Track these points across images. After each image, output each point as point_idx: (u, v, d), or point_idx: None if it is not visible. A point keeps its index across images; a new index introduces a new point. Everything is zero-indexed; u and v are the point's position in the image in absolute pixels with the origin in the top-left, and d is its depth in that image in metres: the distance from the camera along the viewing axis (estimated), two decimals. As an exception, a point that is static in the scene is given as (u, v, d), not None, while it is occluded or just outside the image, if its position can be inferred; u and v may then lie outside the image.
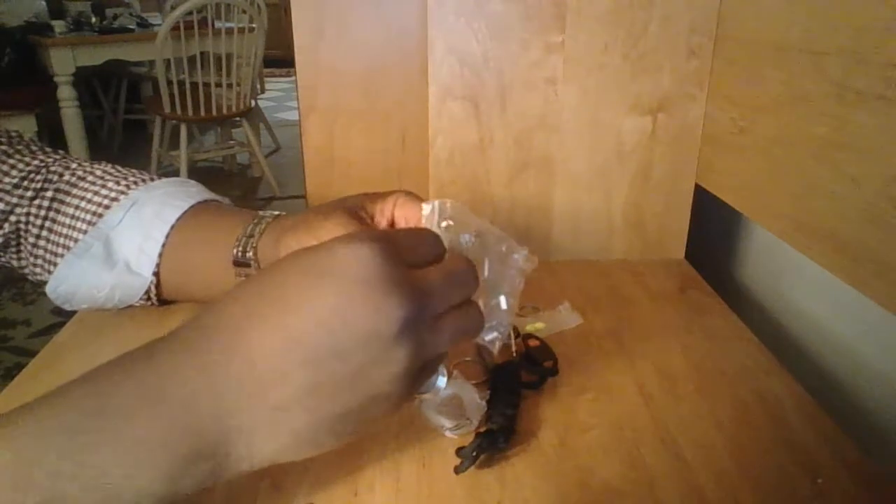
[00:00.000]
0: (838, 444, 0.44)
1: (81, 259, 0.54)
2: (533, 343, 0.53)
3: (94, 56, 3.00)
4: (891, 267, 0.44)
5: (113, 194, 0.56)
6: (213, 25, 2.91)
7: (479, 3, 0.64)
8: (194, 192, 0.57)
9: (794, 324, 0.66)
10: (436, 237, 0.34)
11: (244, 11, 2.97)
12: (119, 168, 0.59)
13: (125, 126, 4.03)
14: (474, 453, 0.40)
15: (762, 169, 0.59)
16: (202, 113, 2.95)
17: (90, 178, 0.56)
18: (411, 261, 0.31)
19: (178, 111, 2.92)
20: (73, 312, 0.59)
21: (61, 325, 0.57)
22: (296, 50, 0.69)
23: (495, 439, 0.42)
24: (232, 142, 3.58)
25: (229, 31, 2.95)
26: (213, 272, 0.52)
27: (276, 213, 0.52)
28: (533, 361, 0.51)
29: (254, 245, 0.49)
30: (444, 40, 0.65)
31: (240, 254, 0.49)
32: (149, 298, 0.56)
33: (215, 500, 0.39)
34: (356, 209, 0.45)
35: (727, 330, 0.59)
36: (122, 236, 0.54)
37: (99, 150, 3.64)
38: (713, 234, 0.80)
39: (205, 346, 0.29)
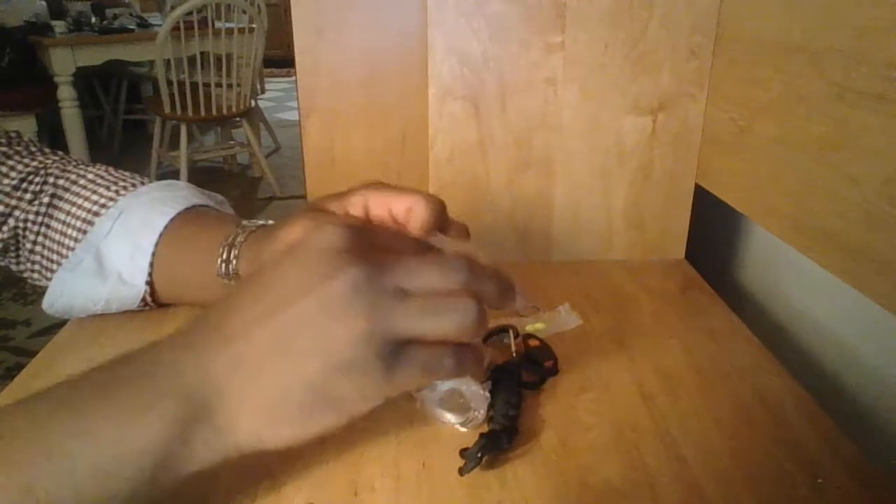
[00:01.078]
0: (838, 444, 0.44)
1: (73, 274, 0.54)
2: (533, 343, 0.53)
3: (94, 56, 3.00)
4: (891, 267, 0.44)
5: (102, 200, 0.55)
6: (213, 25, 2.91)
7: (479, 3, 0.64)
8: (181, 198, 0.56)
9: (794, 324, 0.66)
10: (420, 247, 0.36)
11: (244, 11, 2.97)
12: (112, 171, 0.58)
13: (125, 126, 4.03)
14: (479, 454, 0.40)
15: (762, 169, 0.59)
16: (202, 113, 2.95)
17: (82, 181, 0.56)
18: (380, 245, 0.34)
19: (178, 111, 2.92)
20: (73, 312, 0.59)
21: (61, 325, 0.57)
22: (296, 50, 0.69)
23: (499, 440, 0.42)
24: (232, 142, 3.58)
25: (229, 31, 2.95)
26: (201, 282, 0.52)
27: (260, 222, 0.52)
28: (533, 361, 0.51)
29: (235, 256, 0.50)
30: (444, 40, 0.65)
31: (223, 267, 0.50)
32: (146, 304, 0.56)
33: (215, 499, 0.39)
34: (320, 209, 0.44)
35: (727, 330, 0.59)
36: (111, 247, 0.54)
37: (99, 150, 3.64)
38: (713, 234, 0.80)
39: (195, 332, 0.33)
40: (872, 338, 0.56)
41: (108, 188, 0.56)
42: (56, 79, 2.85)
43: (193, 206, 0.57)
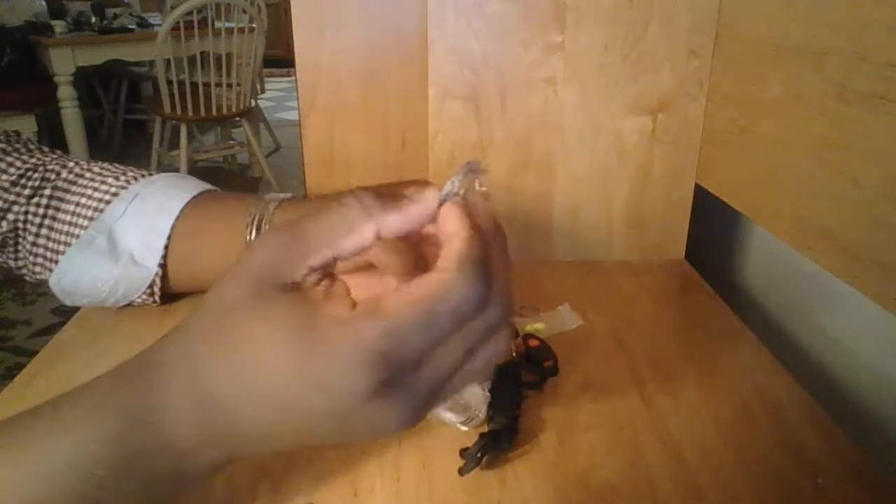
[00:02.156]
0: (838, 444, 0.44)
1: (85, 252, 0.54)
2: (533, 343, 0.53)
3: (94, 56, 3.00)
4: (891, 267, 0.44)
5: (113, 189, 0.56)
6: (213, 25, 2.91)
7: (479, 3, 0.64)
8: (195, 184, 0.58)
9: (794, 324, 0.66)
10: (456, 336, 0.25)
11: (244, 11, 2.97)
12: (117, 165, 0.59)
13: (125, 126, 4.03)
14: (478, 454, 0.40)
15: (762, 169, 0.59)
16: (202, 113, 2.95)
17: (88, 174, 0.57)
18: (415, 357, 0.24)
19: (178, 111, 2.92)
20: (74, 312, 0.59)
21: (61, 324, 0.57)
22: (296, 50, 0.69)
23: (499, 440, 0.42)
24: (232, 142, 3.58)
25: (229, 31, 2.94)
26: (223, 257, 0.52)
27: (286, 194, 0.52)
28: (533, 361, 0.51)
29: (267, 224, 0.50)
30: (444, 40, 0.65)
31: (253, 236, 0.50)
32: (151, 294, 0.56)
33: (215, 500, 0.39)
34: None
35: (727, 330, 0.59)
36: (125, 229, 0.54)
37: (99, 150, 3.64)
38: (713, 234, 0.80)
39: (168, 383, 0.27)
40: (872, 338, 0.56)
41: (116, 178, 0.57)
42: (56, 79, 2.84)
43: (208, 191, 0.58)
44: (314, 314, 0.24)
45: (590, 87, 0.67)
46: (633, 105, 0.67)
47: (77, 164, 0.58)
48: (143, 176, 0.58)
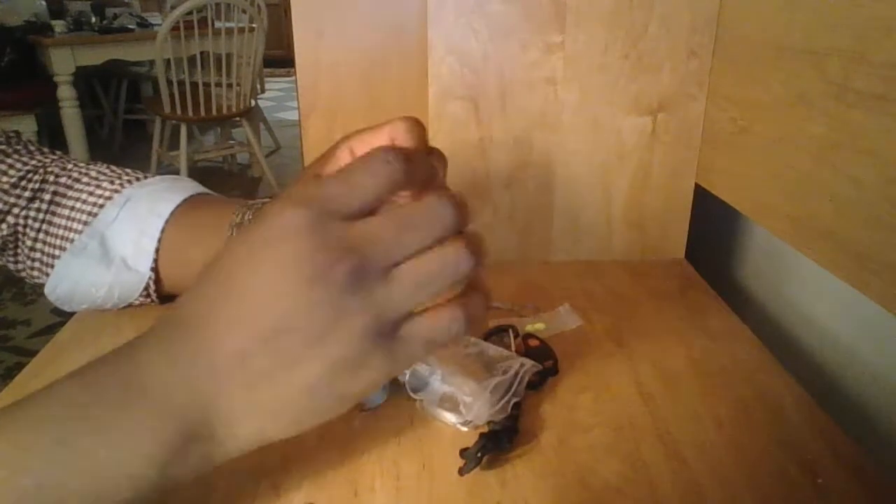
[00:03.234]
0: (838, 445, 0.44)
1: (78, 258, 0.54)
2: (533, 343, 0.53)
3: (94, 56, 3.00)
4: (891, 267, 0.44)
5: (107, 193, 0.56)
6: (213, 25, 2.91)
7: (479, 3, 0.64)
8: (188, 187, 0.58)
9: (794, 324, 0.66)
10: (371, 169, 0.28)
11: (244, 11, 2.97)
12: (114, 168, 0.59)
13: (125, 126, 4.03)
14: (478, 454, 0.40)
15: (762, 169, 0.59)
16: (202, 113, 2.95)
17: (85, 178, 0.57)
18: (347, 211, 0.28)
19: (178, 111, 2.92)
20: (73, 312, 0.59)
21: (61, 325, 0.57)
22: (296, 50, 0.69)
23: (499, 440, 0.42)
24: (232, 142, 3.58)
25: (229, 31, 2.94)
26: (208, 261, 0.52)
27: (268, 199, 0.52)
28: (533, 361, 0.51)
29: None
30: (444, 40, 0.65)
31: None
32: (148, 295, 0.56)
33: (215, 500, 0.39)
34: (333, 151, 0.40)
35: (727, 330, 0.59)
36: (117, 233, 0.54)
37: (99, 150, 3.64)
38: (713, 234, 0.80)
39: (176, 342, 0.30)
40: (872, 338, 0.56)
41: (111, 182, 0.57)
42: (56, 78, 2.85)
43: (199, 194, 0.58)
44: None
45: (590, 87, 0.67)
46: (633, 105, 0.67)
47: (76, 166, 0.58)
48: (137, 179, 0.58)
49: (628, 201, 0.70)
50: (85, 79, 3.68)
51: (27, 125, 2.83)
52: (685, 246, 0.72)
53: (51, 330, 2.05)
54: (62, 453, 0.27)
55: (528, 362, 0.48)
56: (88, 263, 0.54)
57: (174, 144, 3.19)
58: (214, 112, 2.98)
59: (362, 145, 0.34)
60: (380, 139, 0.33)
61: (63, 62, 2.85)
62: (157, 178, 0.59)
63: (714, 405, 0.48)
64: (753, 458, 0.43)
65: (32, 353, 0.53)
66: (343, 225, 0.28)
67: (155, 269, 0.55)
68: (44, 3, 3.25)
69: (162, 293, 0.57)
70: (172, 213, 0.54)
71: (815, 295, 0.63)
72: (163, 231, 0.54)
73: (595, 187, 0.70)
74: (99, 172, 0.58)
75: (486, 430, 0.43)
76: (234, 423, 0.30)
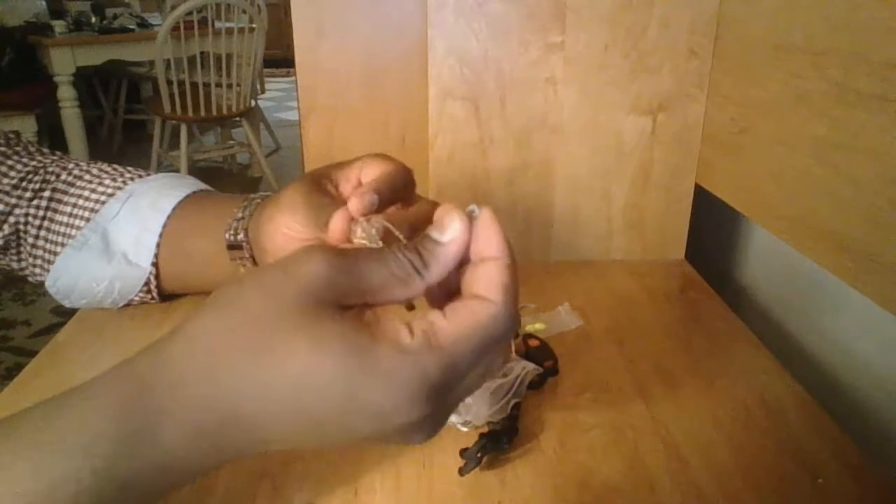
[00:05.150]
0: (838, 445, 0.44)
1: (79, 251, 0.54)
2: (533, 343, 0.53)
3: (94, 56, 3.00)
4: (891, 267, 0.44)
5: (110, 190, 0.56)
6: (213, 25, 2.91)
7: (479, 3, 0.64)
8: (190, 183, 0.58)
9: (794, 324, 0.66)
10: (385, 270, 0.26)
11: (244, 11, 2.97)
12: (115, 166, 0.59)
13: (125, 126, 4.03)
14: (478, 454, 0.40)
15: (762, 169, 0.59)
16: (202, 113, 2.95)
17: (87, 176, 0.57)
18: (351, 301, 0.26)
19: (178, 111, 2.92)
20: (74, 312, 0.59)
21: (61, 325, 0.57)
22: (296, 50, 0.69)
23: (499, 440, 0.42)
24: (232, 142, 3.58)
25: (229, 31, 2.94)
26: (209, 258, 0.52)
27: (268, 193, 0.52)
28: (533, 361, 0.51)
29: (244, 227, 0.50)
30: (444, 40, 0.65)
31: (232, 237, 0.50)
32: (149, 291, 0.56)
33: (215, 499, 0.39)
34: (320, 178, 0.43)
35: (727, 330, 0.59)
36: (119, 228, 0.54)
37: (99, 150, 3.64)
38: (713, 234, 0.80)
39: (187, 402, 0.25)
40: (872, 337, 0.56)
41: (114, 179, 0.57)
42: (56, 79, 2.84)
43: (202, 190, 0.58)
44: (373, 338, 0.25)
45: (590, 87, 0.67)
46: (633, 105, 0.67)
47: (77, 165, 0.58)
48: (140, 176, 0.58)
49: (628, 201, 0.70)
50: (85, 79, 3.68)
51: (27, 125, 2.83)
52: (685, 246, 0.72)
53: (51, 330, 2.05)
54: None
55: (530, 365, 0.48)
56: (90, 257, 0.54)
57: (174, 144, 3.19)
58: (214, 112, 2.98)
59: (367, 175, 0.39)
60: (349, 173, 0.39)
61: (63, 62, 2.85)
62: (160, 174, 0.59)
63: (714, 405, 0.48)
64: (753, 458, 0.43)
65: (32, 353, 0.53)
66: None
67: (156, 265, 0.55)
68: (44, 3, 3.25)
69: (162, 290, 0.57)
70: (174, 209, 0.54)
71: (814, 295, 0.63)
72: (164, 226, 0.54)
73: (595, 187, 0.70)
74: (101, 170, 0.58)
75: (486, 430, 0.43)
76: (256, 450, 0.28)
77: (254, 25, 2.99)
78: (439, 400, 0.25)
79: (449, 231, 0.27)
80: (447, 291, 0.28)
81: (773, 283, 0.71)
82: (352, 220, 0.34)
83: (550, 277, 0.68)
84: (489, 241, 0.27)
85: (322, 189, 0.43)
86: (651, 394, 0.49)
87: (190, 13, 2.78)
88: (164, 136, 3.26)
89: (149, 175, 0.58)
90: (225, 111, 3.01)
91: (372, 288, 0.26)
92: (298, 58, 0.69)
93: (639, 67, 0.66)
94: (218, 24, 2.95)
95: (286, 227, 0.42)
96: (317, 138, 0.72)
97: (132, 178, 0.57)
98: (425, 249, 0.27)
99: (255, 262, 0.50)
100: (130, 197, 0.55)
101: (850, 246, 0.48)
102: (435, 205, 0.34)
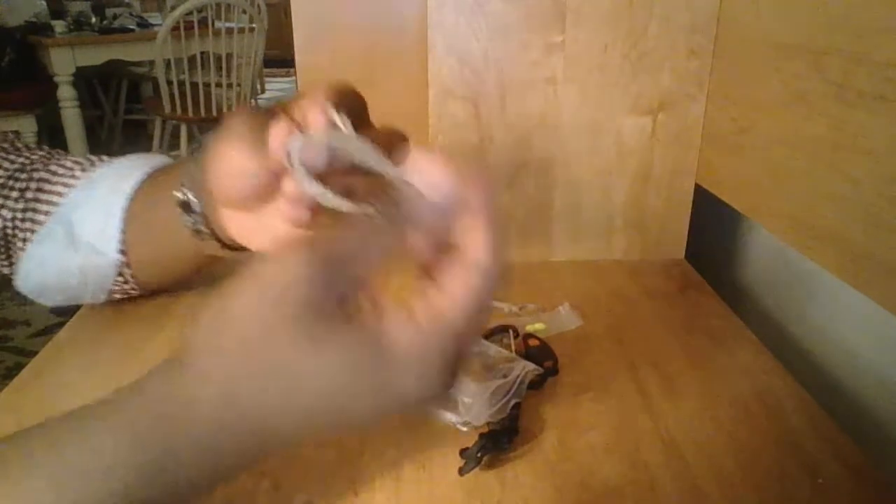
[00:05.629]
0: (838, 445, 0.44)
1: (42, 245, 0.51)
2: (533, 343, 0.53)
3: (94, 56, 3.00)
4: (891, 267, 0.44)
5: (78, 181, 0.53)
6: (213, 25, 2.91)
7: (479, 3, 0.64)
8: (153, 162, 0.53)
9: (794, 323, 0.66)
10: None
11: (244, 11, 2.97)
12: (90, 156, 0.56)
13: (125, 126, 4.03)
14: (478, 454, 0.40)
15: (762, 169, 0.59)
16: (202, 113, 2.95)
17: (61, 171, 0.54)
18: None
19: (178, 111, 2.92)
20: (74, 312, 0.59)
21: (61, 325, 0.57)
22: (296, 50, 0.69)
23: (499, 440, 0.42)
24: (232, 142, 3.57)
25: (229, 31, 2.95)
26: (173, 235, 0.47)
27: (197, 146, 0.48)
28: (533, 361, 0.51)
29: (194, 178, 0.44)
30: (444, 40, 0.65)
31: (181, 195, 0.45)
32: (126, 281, 0.53)
33: (215, 499, 0.39)
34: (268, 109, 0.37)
35: (727, 330, 0.59)
36: (83, 217, 0.51)
37: (99, 150, 3.63)
38: (713, 234, 0.80)
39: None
40: (872, 338, 0.56)
41: (83, 169, 0.54)
42: (56, 79, 2.85)
43: (165, 165, 0.53)
44: (380, 331, 0.25)
45: (590, 87, 0.67)
46: (633, 105, 0.67)
47: (57, 160, 0.55)
48: (106, 161, 0.54)
49: (628, 201, 0.70)
50: (85, 79, 3.68)
51: (27, 125, 2.83)
52: (685, 246, 0.72)
53: (51, 330, 2.05)
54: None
55: (530, 365, 0.48)
56: (54, 249, 0.51)
57: (174, 144, 3.19)
58: (214, 112, 2.98)
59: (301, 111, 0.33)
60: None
61: (63, 62, 2.85)
62: (126, 157, 0.54)
63: (714, 405, 0.48)
64: (753, 458, 0.43)
65: (32, 354, 0.53)
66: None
67: (124, 251, 0.50)
68: (44, 3, 3.24)
69: (140, 280, 0.54)
70: (136, 189, 0.50)
71: (814, 295, 0.63)
72: (126, 210, 0.50)
73: (595, 187, 0.70)
74: (74, 162, 0.54)
75: (486, 430, 0.43)
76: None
77: (254, 25, 2.99)
78: (452, 362, 0.26)
79: (429, 176, 0.27)
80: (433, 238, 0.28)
81: (773, 282, 0.71)
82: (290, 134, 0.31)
83: (550, 277, 0.68)
84: (473, 197, 0.27)
85: (269, 114, 0.36)
86: (651, 394, 0.49)
87: (190, 13, 2.78)
88: (164, 136, 3.26)
89: (115, 160, 0.55)
90: (225, 111, 3.01)
91: (359, 263, 0.26)
92: (298, 58, 0.69)
93: (639, 67, 0.66)
94: (218, 24, 2.95)
95: (229, 162, 0.35)
96: (317, 138, 0.72)
97: (97, 165, 0.54)
98: (404, 200, 0.27)
99: (208, 224, 0.44)
100: (92, 183, 0.52)
101: (850, 246, 0.48)
102: (394, 134, 0.35)
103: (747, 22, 0.61)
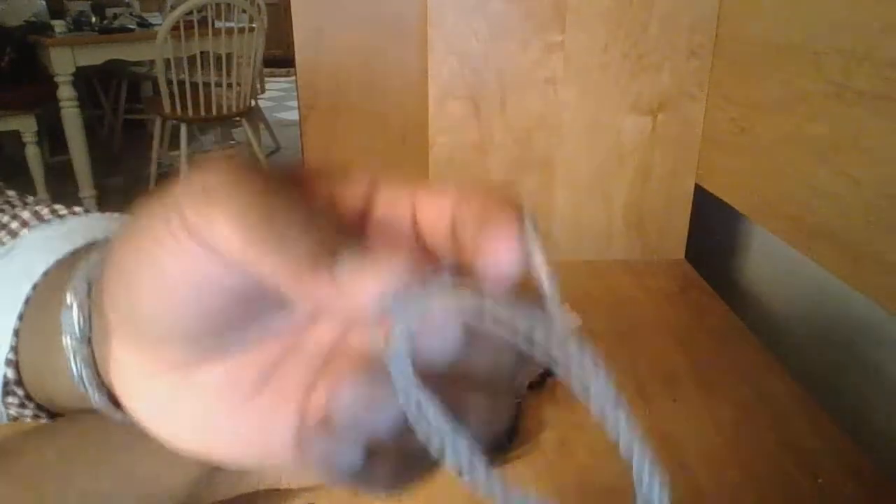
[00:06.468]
0: (838, 445, 0.44)
1: None
2: (533, 343, 0.53)
3: (94, 56, 3.00)
4: (891, 267, 0.44)
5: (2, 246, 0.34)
6: (213, 25, 2.91)
7: (479, 3, 0.64)
8: (99, 227, 0.31)
9: (794, 324, 0.66)
10: None
11: (244, 11, 2.97)
12: (54, 207, 0.34)
13: (125, 126, 4.02)
14: (477, 454, 0.40)
15: (762, 169, 0.59)
16: (202, 113, 2.95)
17: (13, 224, 0.33)
18: None
19: (178, 111, 2.92)
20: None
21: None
22: (296, 50, 0.69)
23: (499, 440, 0.41)
24: (232, 142, 3.58)
25: (229, 31, 2.95)
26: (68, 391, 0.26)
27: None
28: (533, 362, 0.51)
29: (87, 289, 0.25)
30: (444, 40, 0.65)
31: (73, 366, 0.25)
32: (22, 404, 0.28)
33: (215, 499, 0.39)
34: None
35: (727, 330, 0.59)
36: None
37: (99, 150, 3.64)
38: (713, 234, 0.80)
39: None
40: (872, 338, 0.56)
41: (11, 234, 0.32)
42: (56, 78, 2.84)
43: (75, 251, 0.30)
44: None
45: (590, 86, 0.67)
46: (633, 105, 0.67)
47: (11, 209, 0.34)
48: (44, 220, 0.32)
49: (628, 201, 0.70)
50: (85, 79, 3.68)
51: (27, 125, 2.83)
52: (685, 246, 0.72)
53: (51, 330, 2.05)
54: (105, 468, 0.27)
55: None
56: None
57: (174, 144, 3.19)
58: (214, 112, 2.98)
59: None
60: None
61: (63, 62, 2.85)
62: (69, 217, 0.33)
63: (714, 406, 0.48)
64: (753, 459, 0.43)
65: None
66: None
67: (16, 363, 0.28)
68: (44, 3, 3.25)
69: (35, 397, 0.29)
70: (35, 287, 0.28)
71: (814, 295, 0.63)
72: (21, 317, 0.28)
73: (595, 187, 0.70)
74: (13, 217, 0.33)
75: (486, 430, 0.43)
76: None
77: (254, 25, 3.00)
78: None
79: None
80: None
81: (773, 282, 0.71)
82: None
83: (550, 277, 0.68)
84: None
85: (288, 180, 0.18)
86: (651, 393, 0.49)
87: (190, 13, 2.78)
88: (164, 136, 3.26)
89: (61, 216, 0.33)
90: (225, 111, 3.01)
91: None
92: (298, 58, 0.69)
93: (639, 67, 0.66)
94: (218, 24, 2.95)
95: (177, 265, 0.16)
96: (317, 138, 0.72)
97: (27, 226, 0.32)
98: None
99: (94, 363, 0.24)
100: (9, 254, 0.31)
101: (850, 246, 0.48)
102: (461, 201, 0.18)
103: (747, 22, 0.61)
